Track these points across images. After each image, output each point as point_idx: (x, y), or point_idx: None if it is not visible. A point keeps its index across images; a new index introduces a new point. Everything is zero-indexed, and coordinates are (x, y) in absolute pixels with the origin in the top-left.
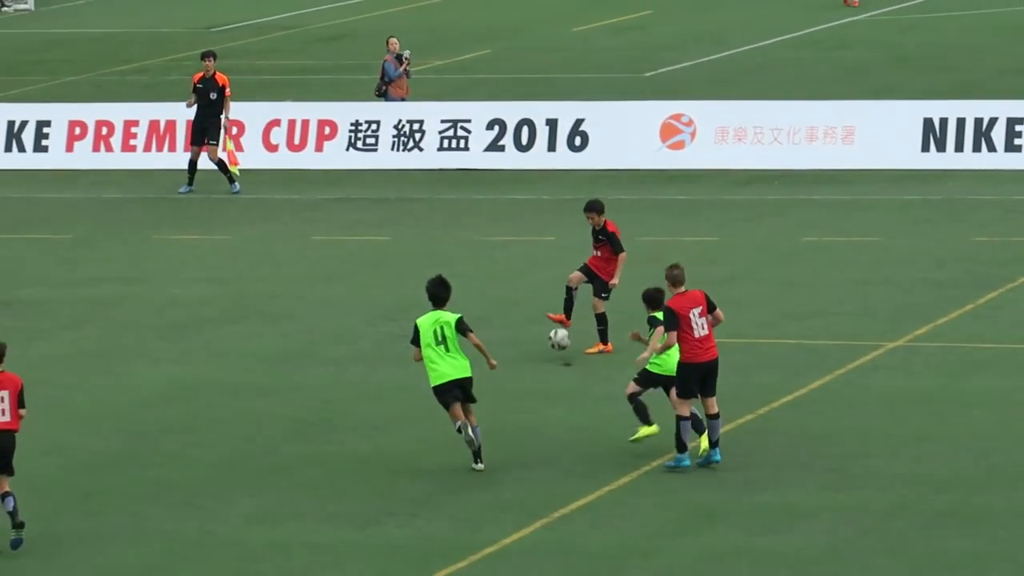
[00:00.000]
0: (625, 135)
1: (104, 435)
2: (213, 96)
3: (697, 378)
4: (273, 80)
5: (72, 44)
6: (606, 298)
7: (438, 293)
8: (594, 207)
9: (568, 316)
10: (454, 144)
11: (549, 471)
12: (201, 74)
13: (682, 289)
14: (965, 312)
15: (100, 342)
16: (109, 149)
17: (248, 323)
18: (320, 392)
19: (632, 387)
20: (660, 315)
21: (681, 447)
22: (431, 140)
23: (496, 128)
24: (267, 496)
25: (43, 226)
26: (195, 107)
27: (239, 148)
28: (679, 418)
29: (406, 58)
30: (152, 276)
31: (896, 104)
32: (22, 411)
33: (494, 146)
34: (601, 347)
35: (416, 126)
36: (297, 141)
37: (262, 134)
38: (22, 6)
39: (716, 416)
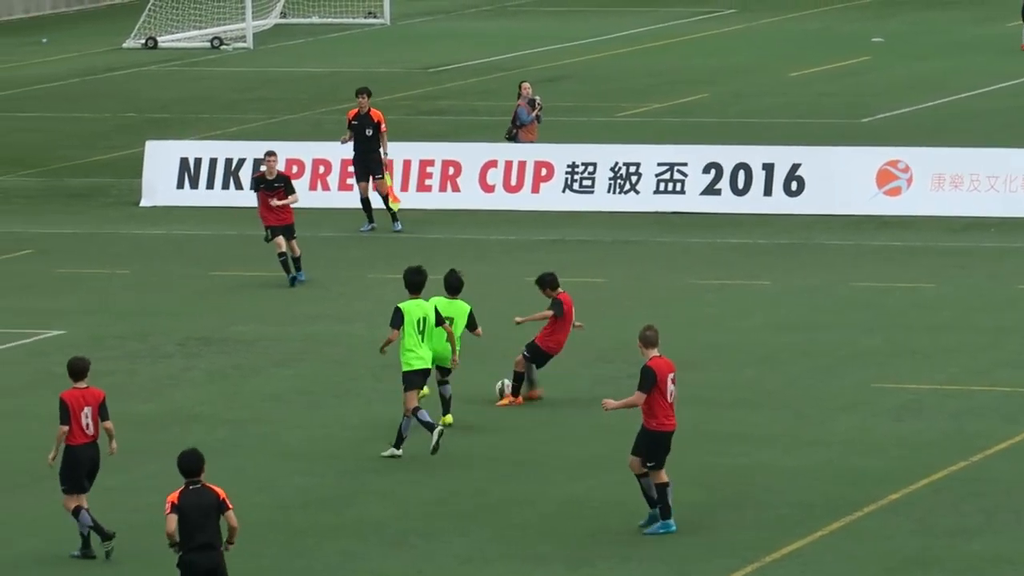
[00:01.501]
0: (841, 180)
1: (317, 473)
2: (369, 132)
3: (666, 446)
4: (491, 121)
5: (290, 82)
6: (528, 357)
7: (420, 280)
8: (539, 281)
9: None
10: (670, 187)
11: (760, 515)
12: (356, 110)
13: (656, 352)
14: None
15: (314, 380)
16: (326, 188)
17: (462, 363)
18: (532, 432)
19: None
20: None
21: (654, 504)
22: (647, 183)
23: (712, 172)
24: (478, 536)
25: (259, 263)
26: (351, 143)
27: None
28: (640, 477)
29: (538, 104)
30: (367, 315)
31: None
32: (107, 423)
33: (710, 190)
34: (511, 399)
35: (632, 169)
36: (514, 182)
37: (479, 175)
38: (241, 45)
39: (668, 484)
